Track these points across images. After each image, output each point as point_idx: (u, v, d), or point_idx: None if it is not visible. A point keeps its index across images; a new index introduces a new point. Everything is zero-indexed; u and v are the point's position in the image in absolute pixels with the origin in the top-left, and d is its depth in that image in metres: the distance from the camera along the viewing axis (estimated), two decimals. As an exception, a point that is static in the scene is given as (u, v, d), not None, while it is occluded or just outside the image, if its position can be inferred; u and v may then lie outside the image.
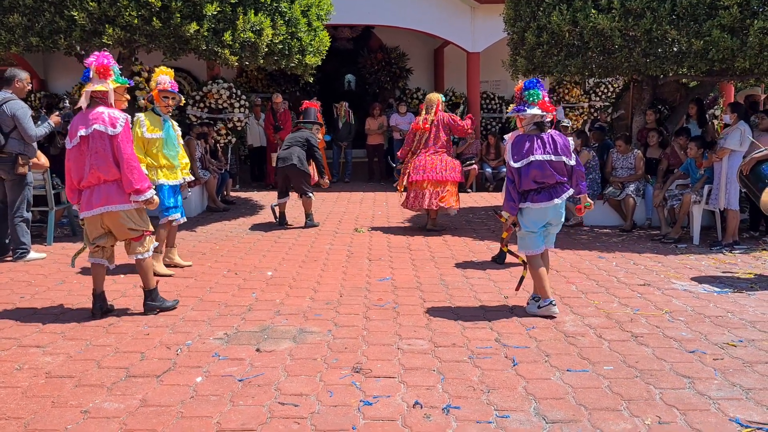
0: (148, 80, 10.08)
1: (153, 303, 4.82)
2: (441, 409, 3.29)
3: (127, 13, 7.24)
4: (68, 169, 4.67)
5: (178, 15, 7.42)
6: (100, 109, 4.59)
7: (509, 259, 6.34)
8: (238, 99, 12.51)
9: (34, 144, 6.85)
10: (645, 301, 5.18)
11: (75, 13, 7.12)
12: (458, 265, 6.48)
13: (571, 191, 4.84)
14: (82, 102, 4.59)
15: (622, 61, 7.76)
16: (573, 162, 4.81)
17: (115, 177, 4.58)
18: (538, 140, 4.78)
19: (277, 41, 8.52)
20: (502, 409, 3.29)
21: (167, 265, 6.24)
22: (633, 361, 3.92)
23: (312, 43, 9.45)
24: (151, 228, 4.91)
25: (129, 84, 4.78)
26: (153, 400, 3.43)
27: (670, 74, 8.00)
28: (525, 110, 4.79)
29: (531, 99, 4.78)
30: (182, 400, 3.42)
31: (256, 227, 8.71)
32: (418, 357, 4.02)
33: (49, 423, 3.16)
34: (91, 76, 4.59)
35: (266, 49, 8.44)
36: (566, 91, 16.27)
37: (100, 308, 4.81)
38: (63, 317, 4.84)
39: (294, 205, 9.45)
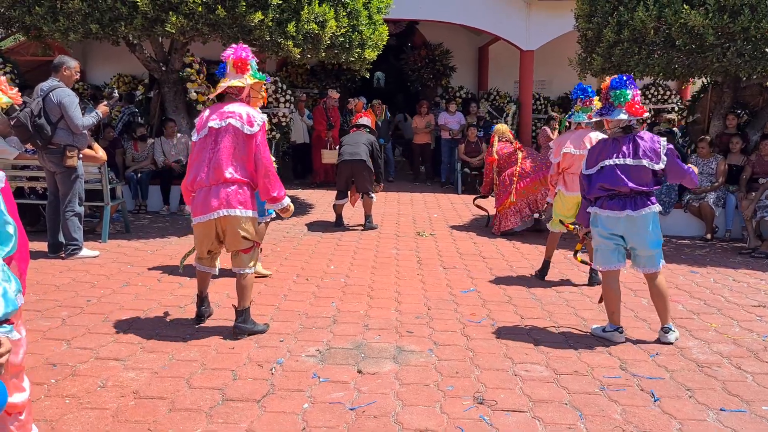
0: (199, 72, 9.73)
1: (245, 326, 4.28)
2: (594, 455, 2.86)
3: (191, 0, 6.87)
4: (189, 165, 4.26)
5: (243, 3, 7.05)
6: (238, 104, 4.19)
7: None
8: (283, 94, 12.15)
9: (86, 134, 6.50)
10: (768, 326, 4.71)
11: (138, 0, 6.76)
12: (544, 278, 6.03)
13: (656, 207, 4.25)
14: (213, 95, 4.21)
15: (713, 61, 7.25)
16: (661, 165, 4.17)
17: (238, 179, 4.12)
18: (615, 143, 4.27)
19: (339, 34, 8.12)
20: (666, 457, 2.85)
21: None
22: (789, 400, 3.46)
23: (372, 36, 9.03)
24: (260, 241, 4.50)
25: (267, 80, 4.38)
26: (261, 430, 3.03)
27: (763, 76, 7.46)
28: (611, 113, 4.27)
29: (618, 101, 4.24)
30: (294, 432, 3.01)
31: (312, 227, 8.31)
32: (541, 386, 3.59)
33: (150, 457, 2.78)
34: (228, 70, 4.19)
35: (328, 42, 8.04)
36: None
37: (204, 310, 4.51)
38: (136, 324, 4.46)
39: (347, 205, 9.04)
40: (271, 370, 3.74)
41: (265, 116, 4.21)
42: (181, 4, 6.93)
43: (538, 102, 15.69)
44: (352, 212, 9.22)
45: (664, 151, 4.20)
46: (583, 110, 5.62)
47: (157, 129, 9.81)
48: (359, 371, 3.75)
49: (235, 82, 4.17)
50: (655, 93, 15.90)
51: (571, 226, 5.00)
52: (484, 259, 6.73)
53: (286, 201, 4.28)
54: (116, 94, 7.39)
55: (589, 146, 5.65)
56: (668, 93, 15.78)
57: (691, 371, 3.84)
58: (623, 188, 4.19)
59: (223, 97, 4.27)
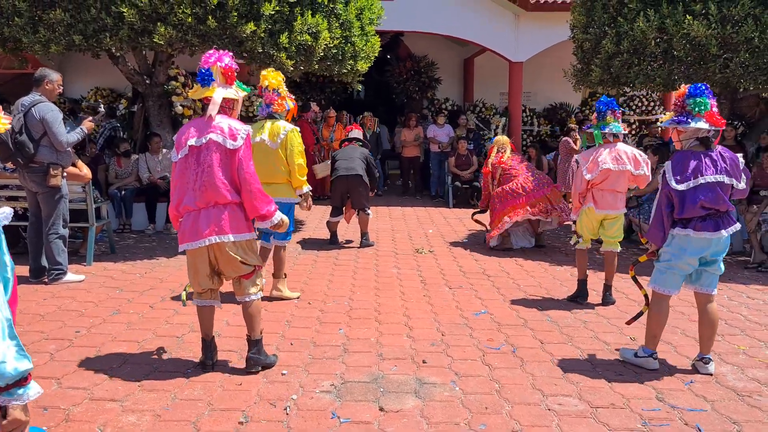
0: (185, 85, 9.40)
1: (258, 357, 3.94)
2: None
3: (180, 11, 6.57)
4: (173, 188, 3.88)
5: (235, 14, 6.76)
6: (219, 117, 3.81)
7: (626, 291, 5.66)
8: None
9: (70, 151, 6.14)
10: (798, 347, 4.52)
11: (124, 10, 6.44)
12: (553, 297, 5.80)
13: (738, 225, 4.08)
14: (212, 109, 3.75)
15: (715, 72, 7.13)
16: (743, 185, 4.00)
17: (230, 201, 3.77)
18: (707, 158, 3.98)
19: (332, 45, 7.87)
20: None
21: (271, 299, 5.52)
22: (843, 432, 3.25)
23: (364, 48, 8.80)
24: (262, 263, 4.09)
25: (249, 92, 4.04)
26: (284, 484, 2.73)
27: (766, 87, 7.37)
28: (689, 122, 4.00)
29: (697, 109, 3.97)
30: (321, 485, 2.72)
31: (306, 246, 8.00)
32: (579, 423, 3.33)
33: None
34: (216, 79, 3.78)
35: (321, 54, 7.78)
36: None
37: (212, 358, 4.01)
38: (132, 359, 4.13)
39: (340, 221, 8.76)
40: (286, 409, 3.44)
41: (249, 128, 3.85)
42: (169, 15, 6.62)
43: (524, 114, 15.57)
44: (345, 228, 8.94)
45: (742, 167, 4.02)
46: (615, 122, 5.40)
47: (141, 144, 9.44)
48: (381, 408, 3.46)
49: (228, 94, 3.82)
50: (639, 104, 15.86)
51: (645, 239, 4.72)
52: (489, 278, 6.49)
53: (278, 216, 3.91)
54: (102, 109, 7.01)
55: (627, 161, 5.42)
56: (652, 104, 15.76)
57: (733, 401, 3.62)
58: (723, 207, 3.94)
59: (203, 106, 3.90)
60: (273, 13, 7.03)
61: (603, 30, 8.03)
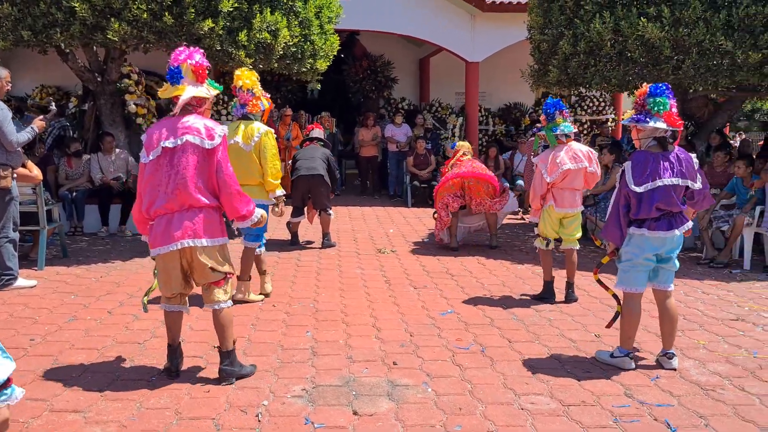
0: (138, 83, 9.14)
1: (232, 368, 3.80)
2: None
3: (135, 6, 6.38)
4: (141, 191, 3.71)
5: (192, 10, 6.61)
6: (193, 117, 3.68)
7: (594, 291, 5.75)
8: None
9: (20, 151, 5.90)
10: (754, 341, 4.65)
11: (76, 4, 6.22)
12: (517, 295, 5.85)
13: (690, 224, 4.20)
14: (178, 108, 3.64)
15: (668, 74, 7.31)
16: (699, 185, 4.10)
17: (204, 203, 3.63)
18: (665, 161, 4.05)
19: (291, 43, 7.77)
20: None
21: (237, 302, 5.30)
22: (803, 422, 3.36)
23: (323, 47, 8.73)
24: (234, 270, 3.95)
25: (221, 90, 3.91)
26: (261, 494, 2.66)
27: (716, 88, 7.60)
28: (647, 121, 4.06)
29: (656, 108, 4.01)
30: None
31: (267, 247, 7.82)
32: (553, 421, 3.36)
33: None
34: (185, 77, 3.65)
35: (281, 52, 7.68)
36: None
37: (178, 365, 3.88)
38: (92, 367, 3.98)
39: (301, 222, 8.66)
40: (258, 416, 3.36)
41: (225, 128, 3.75)
42: (124, 10, 6.43)
43: (480, 113, 15.71)
44: (305, 229, 8.86)
45: (697, 168, 4.09)
46: (565, 122, 5.49)
47: (92, 144, 9.13)
48: (355, 412, 3.42)
49: (199, 92, 3.70)
50: (591, 104, 16.17)
51: (599, 242, 4.75)
52: (452, 277, 6.51)
53: (258, 213, 3.82)
54: (54, 107, 6.75)
55: (583, 158, 5.50)
56: (603, 104, 16.10)
57: (698, 395, 3.70)
58: (676, 208, 4.02)
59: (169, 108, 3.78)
60: (231, 10, 6.91)
61: (560, 31, 8.15)
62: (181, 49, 3.71)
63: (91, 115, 9.26)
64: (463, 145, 8.23)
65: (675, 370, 4.08)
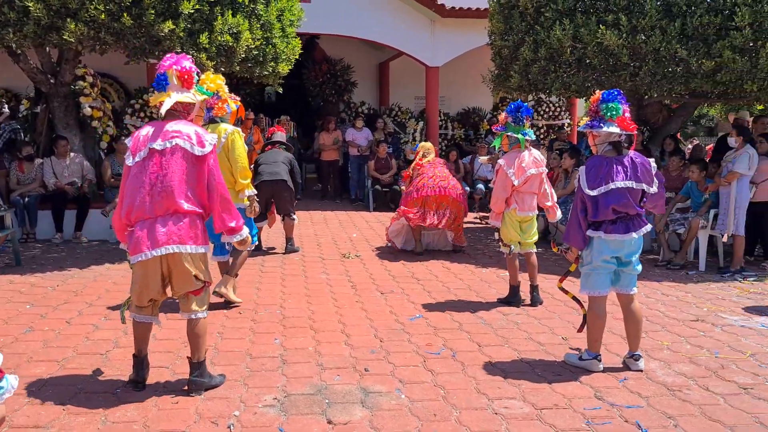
0: (93, 86, 8.89)
1: (202, 380, 3.69)
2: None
3: (92, 7, 6.21)
4: (123, 194, 3.60)
5: (152, 11, 6.46)
6: (183, 123, 3.60)
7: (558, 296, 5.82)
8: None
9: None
10: (715, 341, 4.78)
11: (30, 4, 6.01)
12: (483, 299, 5.89)
13: (649, 226, 4.30)
14: (162, 112, 3.56)
15: (626, 80, 7.49)
16: (655, 189, 4.19)
17: (191, 211, 3.54)
18: (618, 164, 4.14)
19: (253, 46, 7.67)
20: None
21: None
22: None
23: (285, 50, 8.64)
24: (212, 279, 3.85)
25: (210, 96, 3.82)
26: (238, 508, 2.59)
27: (670, 95, 7.81)
28: (601, 126, 4.13)
29: (609, 114, 4.10)
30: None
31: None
32: (528, 425, 3.37)
33: None
34: (170, 83, 3.57)
35: (243, 55, 7.57)
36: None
37: (144, 376, 3.75)
38: (53, 381, 3.83)
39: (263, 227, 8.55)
40: (229, 427, 3.29)
41: (215, 136, 3.72)
42: (80, 11, 6.24)
43: (439, 118, 15.81)
44: (267, 234, 8.74)
45: (654, 172, 4.17)
46: (527, 128, 5.58)
47: (45, 148, 8.84)
48: (329, 421, 3.37)
49: (185, 98, 3.64)
50: (546, 109, 16.42)
51: (556, 248, 4.81)
52: (418, 281, 6.51)
53: (245, 231, 3.76)
54: (6, 110, 6.51)
55: (541, 163, 5.62)
56: (559, 109, 16.38)
57: (665, 396, 3.77)
58: (632, 211, 4.09)
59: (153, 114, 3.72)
60: (192, 11, 6.78)
61: (521, 37, 8.26)
62: (169, 55, 3.66)
63: (44, 118, 8.96)
64: (425, 146, 8.25)
65: (642, 371, 4.15)
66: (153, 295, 3.64)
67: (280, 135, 8.27)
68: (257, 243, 7.90)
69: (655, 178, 4.20)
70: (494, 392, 3.79)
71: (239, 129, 5.35)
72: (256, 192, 5.51)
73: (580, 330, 4.60)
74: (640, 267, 4.28)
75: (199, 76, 3.80)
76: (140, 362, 3.74)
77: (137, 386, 3.73)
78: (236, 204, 5.09)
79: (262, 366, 4.14)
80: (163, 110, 3.56)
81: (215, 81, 5.19)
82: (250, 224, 5.56)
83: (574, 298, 4.62)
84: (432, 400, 3.67)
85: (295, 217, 7.82)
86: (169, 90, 3.59)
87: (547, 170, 5.77)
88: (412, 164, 8.32)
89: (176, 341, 4.52)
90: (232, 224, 3.66)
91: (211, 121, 5.33)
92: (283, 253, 7.77)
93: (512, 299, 5.72)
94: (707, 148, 12.22)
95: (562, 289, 4.67)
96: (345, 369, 4.11)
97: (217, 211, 3.62)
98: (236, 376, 3.95)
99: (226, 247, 5.54)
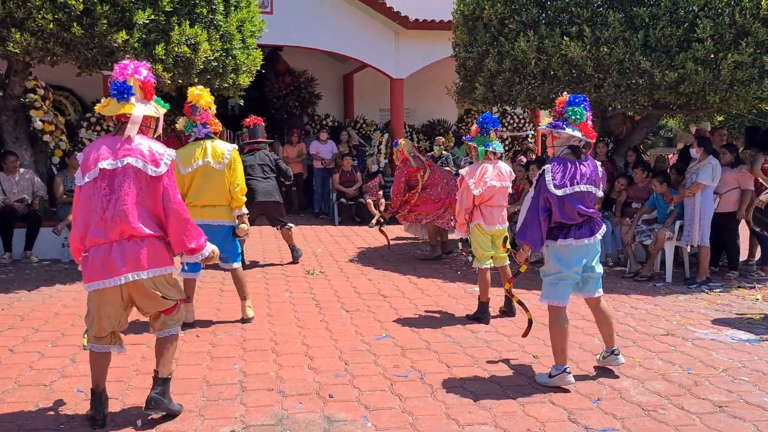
0: (44, 98, 8.54)
1: (163, 399, 3.44)
2: None
3: (40, 16, 5.93)
4: (75, 217, 3.32)
5: (104, 21, 6.20)
6: (138, 137, 3.32)
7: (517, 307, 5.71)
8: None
9: None
10: (686, 356, 4.70)
11: (-28, 13, 5.70)
12: (451, 316, 5.74)
13: (605, 228, 4.27)
14: (131, 129, 3.26)
15: (591, 92, 7.45)
16: (601, 193, 4.23)
17: (148, 234, 3.28)
18: (581, 166, 4.10)
19: (212, 58, 7.45)
20: None
21: None
22: (743, 440, 3.36)
23: (246, 61, 8.43)
24: (183, 296, 3.61)
25: (168, 109, 3.55)
26: None
27: (634, 106, 7.81)
28: (564, 128, 4.06)
29: (574, 117, 4.04)
30: None
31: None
32: (500, 452, 3.21)
33: None
34: (134, 93, 3.28)
35: (201, 66, 7.34)
36: (472, 120, 15.98)
37: (103, 412, 3.44)
38: (9, 418, 3.54)
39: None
40: (182, 465, 3.05)
41: (173, 152, 3.44)
42: (27, 20, 5.95)
43: (404, 130, 15.71)
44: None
45: (601, 176, 4.22)
46: (495, 140, 5.51)
47: (-8, 163, 8.43)
48: (291, 455, 3.16)
49: (149, 111, 3.36)
50: (511, 121, 16.44)
51: (505, 249, 4.76)
52: (385, 299, 6.33)
53: (208, 248, 3.52)
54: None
55: (506, 177, 5.54)
56: (524, 120, 16.43)
57: (640, 417, 3.65)
58: (595, 214, 4.12)
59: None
60: (147, 22, 6.53)
61: (485, 49, 8.19)
62: (125, 62, 3.36)
63: (-8, 133, 8.55)
64: (407, 143, 8.26)
65: (624, 363, 4.29)
66: (111, 325, 3.38)
67: (261, 130, 7.96)
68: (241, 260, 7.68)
69: (601, 183, 4.27)
70: (465, 417, 3.62)
71: (236, 146, 5.29)
72: (247, 212, 5.40)
73: (524, 335, 4.69)
74: (601, 267, 4.32)
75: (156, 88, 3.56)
76: (98, 397, 3.45)
77: (96, 424, 3.43)
78: (227, 222, 5.16)
79: (219, 394, 3.90)
80: (132, 127, 3.26)
81: (210, 96, 5.24)
82: (235, 243, 5.41)
83: (520, 302, 4.84)
84: (400, 428, 3.48)
85: (290, 225, 7.93)
86: (133, 101, 3.30)
87: (511, 184, 5.71)
88: (400, 162, 8.18)
89: (126, 369, 4.26)
90: (192, 245, 3.42)
91: (207, 137, 5.20)
92: (292, 263, 7.95)
93: (481, 316, 5.58)
94: (670, 156, 12.38)
95: (509, 292, 4.82)
96: (308, 395, 3.90)
97: (174, 234, 3.38)
98: (191, 407, 3.70)
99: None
